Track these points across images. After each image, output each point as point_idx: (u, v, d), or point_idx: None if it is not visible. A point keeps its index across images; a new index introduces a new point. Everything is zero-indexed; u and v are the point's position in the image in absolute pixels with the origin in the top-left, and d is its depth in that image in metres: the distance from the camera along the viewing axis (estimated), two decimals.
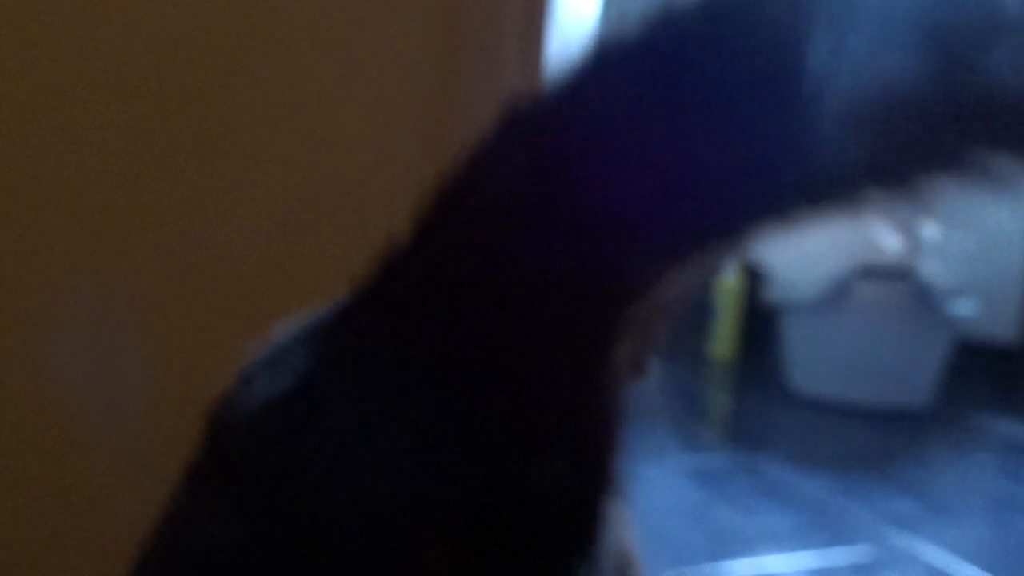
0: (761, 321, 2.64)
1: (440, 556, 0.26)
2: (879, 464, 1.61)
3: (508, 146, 0.27)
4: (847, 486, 1.45)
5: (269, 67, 0.60)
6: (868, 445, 1.75)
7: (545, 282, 0.26)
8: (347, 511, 0.26)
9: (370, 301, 0.29)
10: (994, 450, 1.76)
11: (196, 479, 0.29)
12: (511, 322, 0.27)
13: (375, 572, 0.26)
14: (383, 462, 0.26)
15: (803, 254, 2.11)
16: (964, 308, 2.04)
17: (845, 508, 1.34)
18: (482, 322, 0.27)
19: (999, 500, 1.43)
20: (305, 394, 0.27)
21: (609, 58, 0.26)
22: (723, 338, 2.55)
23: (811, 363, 2.08)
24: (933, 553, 1.20)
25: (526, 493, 0.27)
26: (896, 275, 1.97)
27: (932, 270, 2.09)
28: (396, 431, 0.26)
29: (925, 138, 0.25)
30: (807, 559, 1.17)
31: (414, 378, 0.27)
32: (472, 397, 0.27)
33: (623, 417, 0.31)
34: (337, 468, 0.26)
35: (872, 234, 2.02)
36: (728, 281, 2.56)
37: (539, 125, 0.27)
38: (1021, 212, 2.41)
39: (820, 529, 1.25)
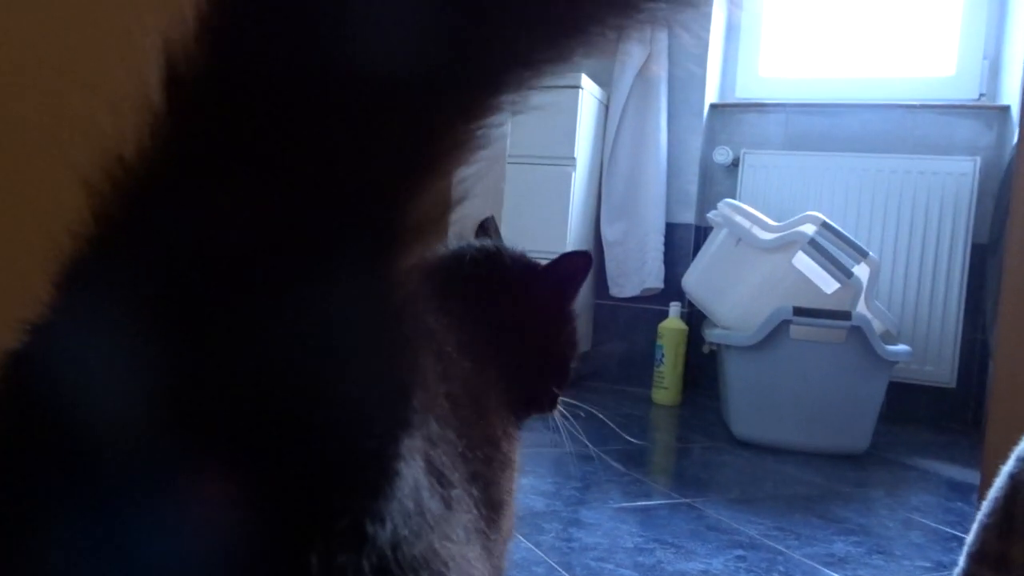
0: (704, 365, 2.65)
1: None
2: (818, 505, 1.60)
3: None
4: (786, 527, 1.44)
5: None
6: (808, 486, 1.75)
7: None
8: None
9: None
10: (932, 491, 1.77)
11: None
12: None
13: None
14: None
15: (743, 298, 2.13)
16: (901, 350, 2.07)
17: (784, 549, 1.32)
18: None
19: (937, 541, 1.42)
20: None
21: None
22: (667, 382, 2.55)
23: (750, 409, 2.07)
24: None
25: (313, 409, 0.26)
26: (833, 316, 1.99)
27: (869, 312, 2.12)
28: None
29: None
30: None
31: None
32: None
33: (419, 343, 0.30)
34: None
35: (810, 277, 2.05)
36: (671, 326, 2.57)
37: None
38: (958, 251, 2.47)
39: (759, 570, 1.23)
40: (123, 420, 0.25)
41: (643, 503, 1.52)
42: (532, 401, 0.64)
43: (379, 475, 0.27)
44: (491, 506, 0.44)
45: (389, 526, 0.27)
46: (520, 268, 0.66)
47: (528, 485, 1.55)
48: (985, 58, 2.59)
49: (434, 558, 0.29)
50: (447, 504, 0.33)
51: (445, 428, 0.37)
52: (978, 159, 2.45)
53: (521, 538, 1.27)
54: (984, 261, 2.41)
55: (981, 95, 2.58)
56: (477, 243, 0.66)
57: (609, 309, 2.83)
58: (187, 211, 0.26)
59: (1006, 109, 2.48)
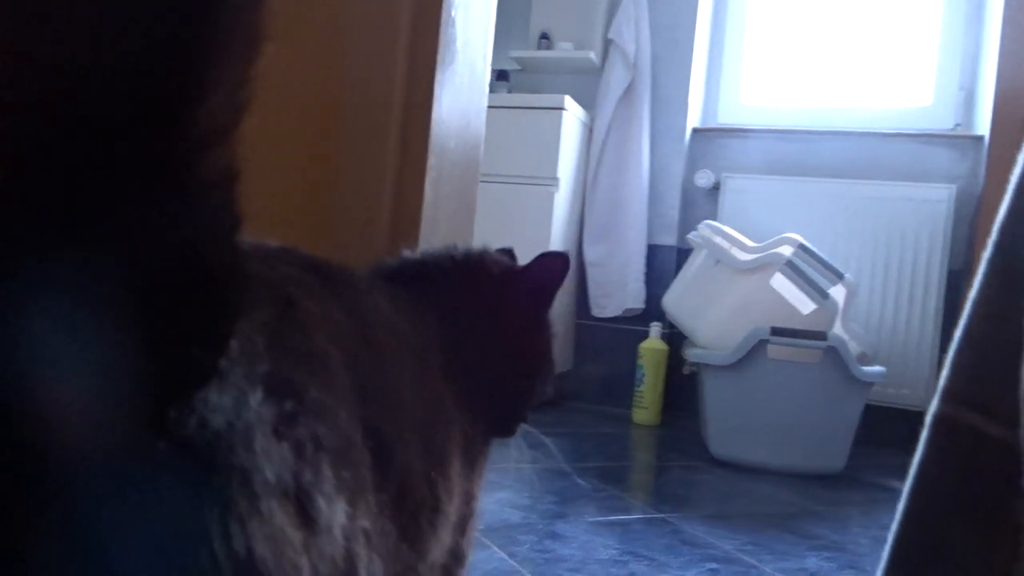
0: (684, 385, 2.66)
1: None
2: (793, 522, 1.61)
3: None
4: (760, 542, 1.45)
5: None
6: (782, 504, 1.76)
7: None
8: None
9: None
10: None
11: None
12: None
13: None
14: None
15: (722, 318, 2.15)
16: (876, 370, 2.09)
17: (757, 563, 1.33)
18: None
19: None
20: None
21: None
22: (646, 402, 2.56)
23: (728, 428, 2.09)
24: None
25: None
26: (809, 337, 2.01)
27: (846, 333, 2.14)
28: None
29: None
30: None
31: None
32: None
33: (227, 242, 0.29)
34: None
35: (787, 298, 2.07)
36: (652, 346, 2.59)
37: None
38: (934, 276, 2.50)
39: None
40: None
41: (619, 517, 1.52)
42: (497, 419, 0.61)
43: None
44: (413, 506, 0.43)
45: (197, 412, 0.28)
46: (495, 270, 0.63)
47: (504, 499, 1.55)
48: (961, 89, 2.65)
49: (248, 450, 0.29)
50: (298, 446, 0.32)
51: (318, 388, 0.36)
52: (954, 187, 2.50)
53: (496, 548, 1.27)
54: (959, 287, 2.45)
55: (957, 125, 2.64)
56: (461, 247, 0.64)
57: (590, 329, 2.85)
58: None
59: (980, 139, 2.53)
